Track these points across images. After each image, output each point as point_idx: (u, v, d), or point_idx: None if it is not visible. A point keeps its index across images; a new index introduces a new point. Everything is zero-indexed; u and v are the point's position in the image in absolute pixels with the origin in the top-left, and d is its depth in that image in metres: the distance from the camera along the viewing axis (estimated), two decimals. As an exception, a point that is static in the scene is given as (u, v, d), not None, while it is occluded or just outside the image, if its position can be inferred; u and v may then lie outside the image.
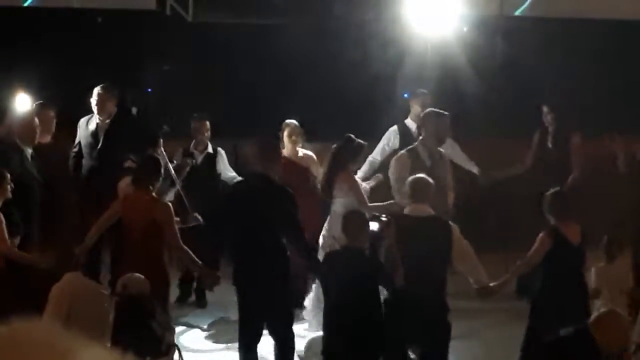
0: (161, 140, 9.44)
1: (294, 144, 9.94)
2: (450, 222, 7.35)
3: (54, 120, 9.40)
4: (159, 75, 12.76)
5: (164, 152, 9.50)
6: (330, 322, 7.10)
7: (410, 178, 7.51)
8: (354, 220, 7.20)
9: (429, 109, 9.08)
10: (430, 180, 7.44)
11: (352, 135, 8.93)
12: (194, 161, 9.91)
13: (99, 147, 9.50)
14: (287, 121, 10.03)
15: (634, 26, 11.97)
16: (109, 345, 6.25)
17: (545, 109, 10.37)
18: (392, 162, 8.86)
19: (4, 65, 10.86)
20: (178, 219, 8.60)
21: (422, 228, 7.18)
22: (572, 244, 7.44)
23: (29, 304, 7.49)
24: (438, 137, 8.77)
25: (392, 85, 11.57)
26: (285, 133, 9.94)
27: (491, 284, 7.42)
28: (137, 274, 6.90)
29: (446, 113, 8.82)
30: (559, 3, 11.95)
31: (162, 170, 8.11)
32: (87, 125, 9.59)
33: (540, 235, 7.46)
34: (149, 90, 13.06)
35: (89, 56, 12.15)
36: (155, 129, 9.66)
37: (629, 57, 12.11)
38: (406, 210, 7.37)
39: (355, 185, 8.78)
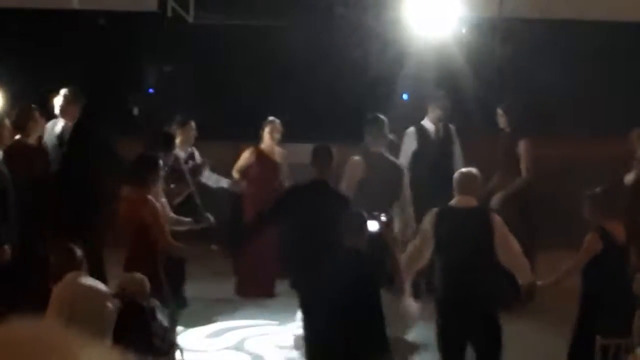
0: (175, 142, 9.47)
1: (273, 140, 10.32)
2: (493, 213, 7.31)
3: (42, 122, 9.35)
4: (160, 76, 12.80)
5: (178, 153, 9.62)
6: (330, 323, 7.13)
7: (458, 171, 7.58)
8: (352, 221, 7.24)
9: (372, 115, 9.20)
10: (476, 173, 7.47)
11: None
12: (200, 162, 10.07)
13: (63, 150, 9.49)
14: (270, 118, 10.40)
15: (632, 27, 11.99)
16: (110, 345, 6.30)
17: (499, 111, 10.41)
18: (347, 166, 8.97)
19: (5, 66, 10.90)
20: (190, 219, 8.64)
21: (464, 219, 7.21)
22: (620, 244, 7.39)
23: (31, 303, 7.56)
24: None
25: (392, 86, 11.60)
26: (267, 129, 10.35)
27: (538, 282, 7.35)
28: (136, 274, 6.93)
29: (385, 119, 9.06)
30: (558, 4, 11.97)
31: (160, 169, 8.01)
32: (53, 129, 9.58)
33: (589, 236, 7.35)
34: (150, 91, 13.09)
35: (90, 57, 12.19)
36: (158, 130, 9.70)
37: (628, 58, 12.13)
38: (451, 202, 7.42)
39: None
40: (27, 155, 8.84)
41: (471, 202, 7.30)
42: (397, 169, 8.86)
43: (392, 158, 8.89)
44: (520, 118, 10.37)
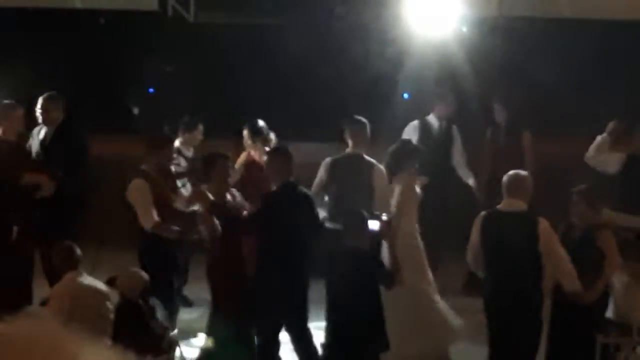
0: (172, 146, 9.13)
1: (253, 145, 9.76)
2: (540, 218, 7.16)
3: (21, 120, 9.30)
4: (161, 76, 12.78)
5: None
6: (331, 322, 7.12)
7: (508, 173, 7.43)
8: (352, 220, 7.22)
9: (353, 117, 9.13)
10: (526, 175, 7.39)
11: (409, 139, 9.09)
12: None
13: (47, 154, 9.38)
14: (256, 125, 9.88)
15: (634, 26, 11.97)
16: (110, 343, 6.29)
17: (496, 106, 10.41)
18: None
19: (6, 65, 10.90)
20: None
21: (509, 223, 7.15)
22: None
23: (16, 300, 7.56)
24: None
25: (392, 85, 11.59)
26: (245, 133, 9.83)
27: (586, 294, 7.15)
28: (135, 270, 6.92)
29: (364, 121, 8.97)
30: (558, 3, 11.96)
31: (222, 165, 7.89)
32: (38, 134, 9.52)
33: (607, 235, 7.31)
34: (151, 90, 13.08)
35: (90, 57, 12.18)
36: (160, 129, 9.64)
37: (629, 58, 12.11)
38: (499, 205, 7.35)
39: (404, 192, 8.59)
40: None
41: (519, 205, 7.20)
42: (369, 167, 8.81)
43: (370, 159, 8.85)
44: (517, 112, 10.37)
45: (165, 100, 12.46)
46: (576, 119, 11.37)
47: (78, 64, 12.06)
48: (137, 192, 7.90)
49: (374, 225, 7.45)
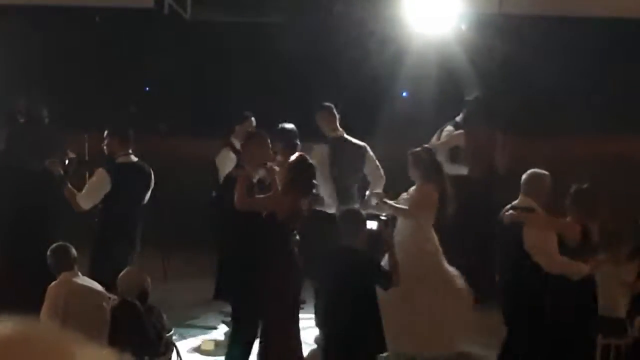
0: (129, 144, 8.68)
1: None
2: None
3: None
4: (157, 74, 12.75)
5: None
6: (326, 322, 7.06)
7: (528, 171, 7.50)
8: (350, 220, 7.15)
9: None
10: (543, 174, 7.42)
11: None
12: None
13: None
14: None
15: (634, 25, 11.95)
16: (106, 344, 6.23)
17: (464, 102, 10.50)
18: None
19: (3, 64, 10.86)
20: None
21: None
22: None
23: (26, 302, 7.49)
24: None
25: (391, 83, 11.57)
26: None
27: None
28: (134, 270, 6.87)
29: None
30: (558, 1, 11.93)
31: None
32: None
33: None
34: (147, 89, 13.05)
35: (86, 55, 12.14)
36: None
37: (629, 56, 12.09)
38: (515, 202, 7.38)
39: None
40: None
41: (528, 203, 7.26)
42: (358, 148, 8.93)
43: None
44: (471, 113, 10.35)
45: (161, 98, 12.44)
46: (576, 118, 11.36)
47: (73, 62, 12.02)
48: None
49: (372, 225, 7.39)
